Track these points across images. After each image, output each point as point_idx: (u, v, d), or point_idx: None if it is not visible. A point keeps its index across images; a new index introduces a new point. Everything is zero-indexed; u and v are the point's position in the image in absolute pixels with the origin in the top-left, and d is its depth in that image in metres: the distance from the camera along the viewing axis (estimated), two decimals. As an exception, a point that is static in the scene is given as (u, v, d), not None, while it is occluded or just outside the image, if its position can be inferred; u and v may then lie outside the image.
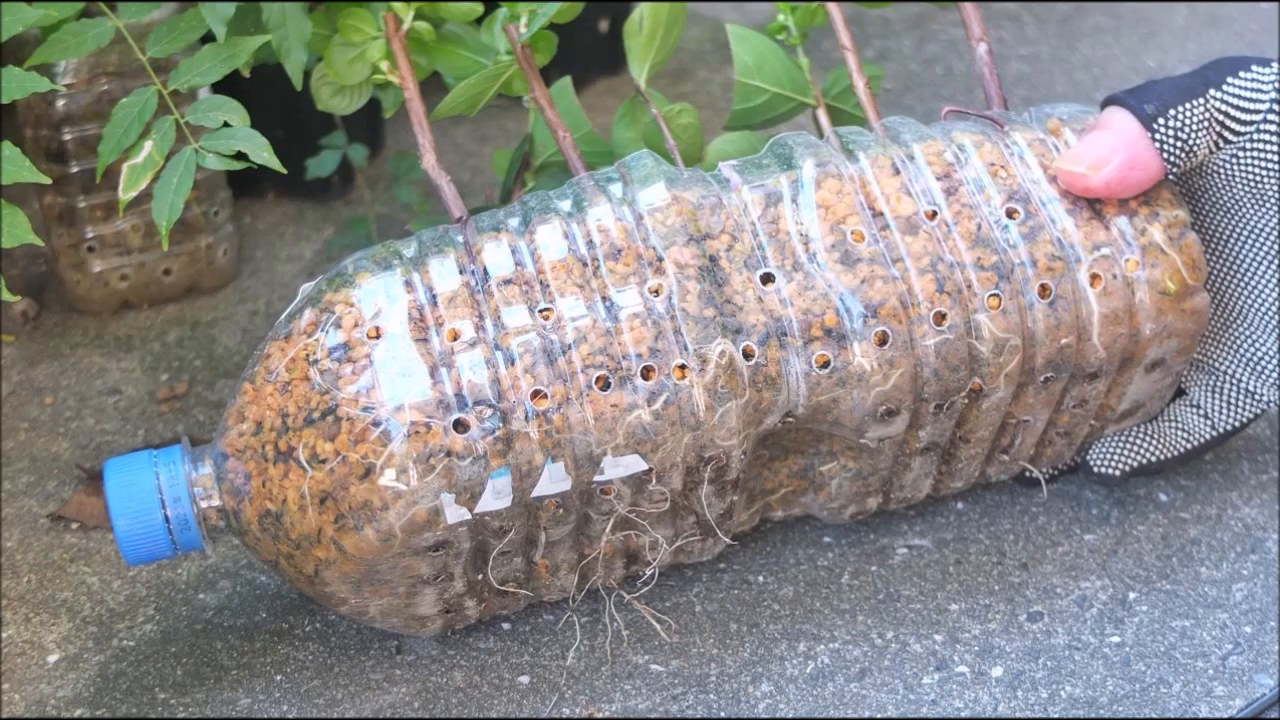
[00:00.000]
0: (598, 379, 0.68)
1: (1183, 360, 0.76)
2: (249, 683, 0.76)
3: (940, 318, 0.71)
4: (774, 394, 0.70)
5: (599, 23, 1.17)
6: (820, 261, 0.71)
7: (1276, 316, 0.77)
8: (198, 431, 0.90)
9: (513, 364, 0.68)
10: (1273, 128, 0.73)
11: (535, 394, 0.68)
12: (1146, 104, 0.73)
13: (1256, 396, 0.80)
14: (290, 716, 0.75)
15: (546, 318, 0.69)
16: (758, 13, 1.26)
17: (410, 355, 0.68)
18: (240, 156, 0.77)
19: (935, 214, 0.73)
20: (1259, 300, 0.78)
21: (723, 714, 0.74)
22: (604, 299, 0.70)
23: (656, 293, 0.70)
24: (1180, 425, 0.81)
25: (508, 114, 1.15)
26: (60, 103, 0.92)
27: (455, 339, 0.69)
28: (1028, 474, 0.81)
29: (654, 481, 0.70)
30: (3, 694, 0.76)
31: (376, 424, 0.68)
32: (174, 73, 0.80)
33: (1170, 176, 0.74)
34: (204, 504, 0.72)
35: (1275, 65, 0.73)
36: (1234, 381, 0.80)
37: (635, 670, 0.77)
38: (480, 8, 0.84)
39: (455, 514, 0.68)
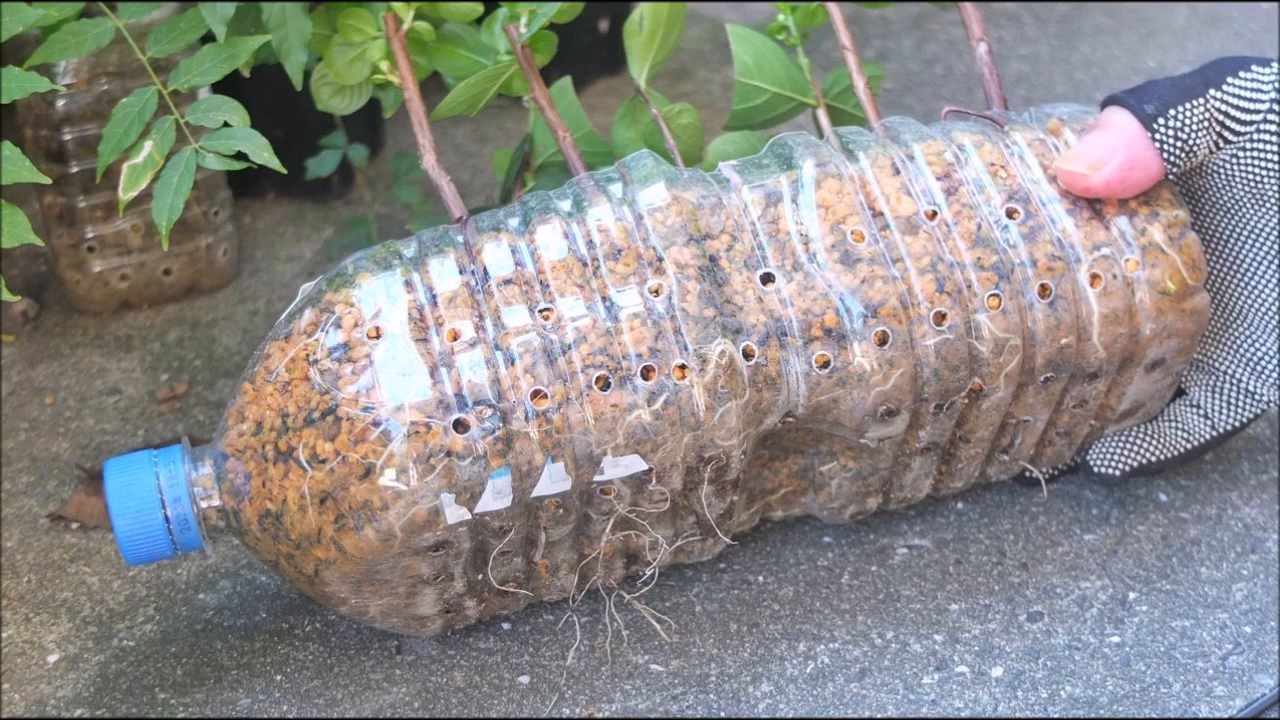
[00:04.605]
0: (598, 379, 0.68)
1: (1183, 360, 0.76)
2: (249, 683, 0.77)
3: (940, 318, 0.71)
4: (774, 394, 0.70)
5: (599, 23, 1.17)
6: (820, 261, 0.71)
7: (1276, 316, 0.77)
8: (198, 431, 0.90)
9: (513, 364, 0.68)
10: (1273, 128, 0.73)
11: (535, 394, 0.68)
12: (1146, 104, 0.73)
13: (1256, 396, 0.80)
14: (290, 716, 0.75)
15: (546, 318, 0.69)
16: (758, 13, 1.26)
17: (410, 355, 0.68)
18: (240, 156, 0.77)
19: (935, 214, 0.73)
20: (1259, 300, 0.78)
21: (723, 714, 0.74)
22: (604, 299, 0.70)
23: (656, 293, 0.70)
24: (1180, 425, 0.81)
25: (508, 114, 1.15)
26: (60, 103, 0.92)
27: (455, 339, 0.69)
28: (1028, 474, 0.81)
29: (654, 481, 0.70)
30: (3, 694, 0.76)
31: (376, 424, 0.68)
32: (174, 73, 0.80)
33: (1170, 176, 0.74)
34: (204, 504, 0.72)
35: (1275, 65, 0.73)
36: (1234, 381, 0.80)
37: (635, 670, 0.77)
38: (480, 8, 0.84)
39: (455, 514, 0.68)
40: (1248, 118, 0.73)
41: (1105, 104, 0.75)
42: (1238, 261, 0.78)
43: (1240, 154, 0.74)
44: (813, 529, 0.83)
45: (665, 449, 0.69)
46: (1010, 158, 0.75)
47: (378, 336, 0.69)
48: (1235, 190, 0.75)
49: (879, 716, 0.74)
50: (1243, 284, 0.78)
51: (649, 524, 0.72)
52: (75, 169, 0.94)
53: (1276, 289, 0.77)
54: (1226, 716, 0.73)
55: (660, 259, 0.71)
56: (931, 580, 0.81)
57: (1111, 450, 0.80)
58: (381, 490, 0.68)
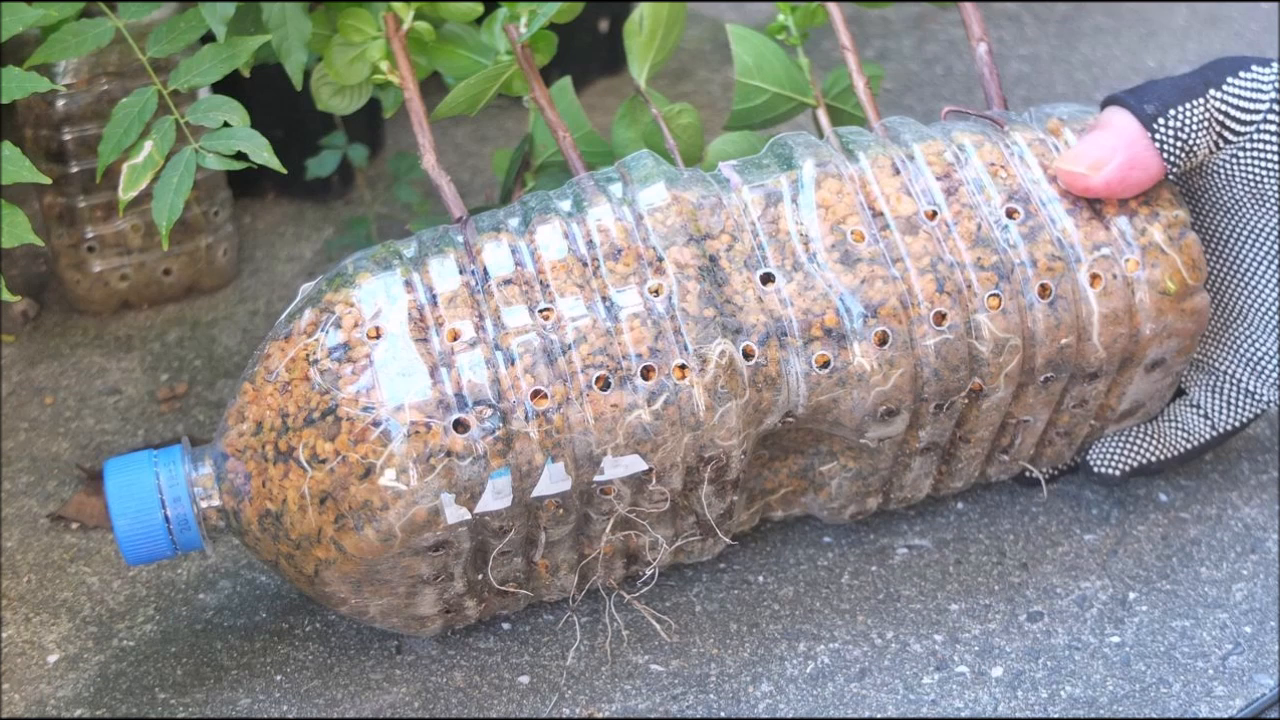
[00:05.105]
0: (598, 379, 0.68)
1: (1183, 360, 0.76)
2: (249, 683, 0.76)
3: (940, 318, 0.71)
4: (774, 394, 0.70)
5: (599, 23, 1.17)
6: (820, 261, 0.71)
7: (1276, 316, 0.77)
8: (198, 431, 0.90)
9: (513, 364, 0.68)
10: (1273, 128, 0.73)
11: (535, 394, 0.68)
12: (1146, 104, 0.73)
13: (1256, 396, 0.80)
14: (290, 716, 0.75)
15: (546, 318, 0.69)
16: (758, 13, 1.26)
17: (410, 355, 0.68)
18: (240, 156, 0.77)
19: (935, 214, 0.73)
20: (1259, 300, 0.78)
21: (723, 714, 0.74)
22: (604, 299, 0.70)
23: (656, 293, 0.70)
24: (1180, 425, 0.81)
25: (508, 114, 1.15)
26: (60, 103, 0.92)
27: (455, 339, 0.69)
28: (1028, 474, 0.81)
29: (654, 481, 0.70)
30: (3, 694, 0.76)
31: (376, 424, 0.68)
32: (174, 73, 0.80)
33: (1170, 176, 0.74)
34: (204, 504, 0.72)
35: (1275, 65, 0.73)
36: (1234, 381, 0.80)
37: (635, 670, 0.77)
38: (480, 8, 0.84)
39: (455, 514, 0.68)
40: (1248, 118, 0.73)
41: (1105, 104, 0.75)
42: (1238, 261, 0.78)
43: (1240, 154, 0.74)
44: (813, 529, 0.83)
45: (665, 449, 0.69)
46: (1010, 158, 0.75)
47: (378, 336, 0.69)
48: (1235, 190, 0.75)
49: (879, 716, 0.74)
50: (1243, 284, 0.78)
51: (649, 524, 0.72)
52: (75, 169, 0.94)
53: (1276, 289, 0.77)
54: (1226, 716, 0.73)
55: (660, 259, 0.71)
56: (931, 580, 0.81)
57: (1111, 450, 0.80)
58: (381, 490, 0.68)
